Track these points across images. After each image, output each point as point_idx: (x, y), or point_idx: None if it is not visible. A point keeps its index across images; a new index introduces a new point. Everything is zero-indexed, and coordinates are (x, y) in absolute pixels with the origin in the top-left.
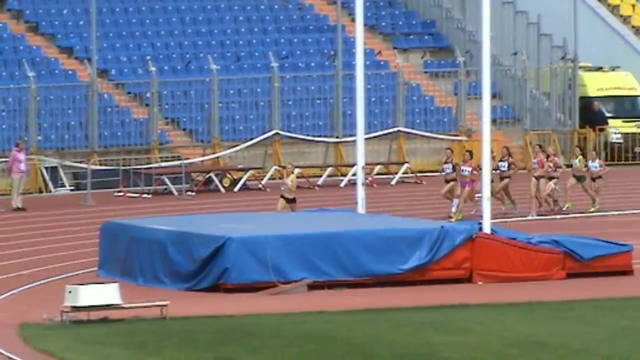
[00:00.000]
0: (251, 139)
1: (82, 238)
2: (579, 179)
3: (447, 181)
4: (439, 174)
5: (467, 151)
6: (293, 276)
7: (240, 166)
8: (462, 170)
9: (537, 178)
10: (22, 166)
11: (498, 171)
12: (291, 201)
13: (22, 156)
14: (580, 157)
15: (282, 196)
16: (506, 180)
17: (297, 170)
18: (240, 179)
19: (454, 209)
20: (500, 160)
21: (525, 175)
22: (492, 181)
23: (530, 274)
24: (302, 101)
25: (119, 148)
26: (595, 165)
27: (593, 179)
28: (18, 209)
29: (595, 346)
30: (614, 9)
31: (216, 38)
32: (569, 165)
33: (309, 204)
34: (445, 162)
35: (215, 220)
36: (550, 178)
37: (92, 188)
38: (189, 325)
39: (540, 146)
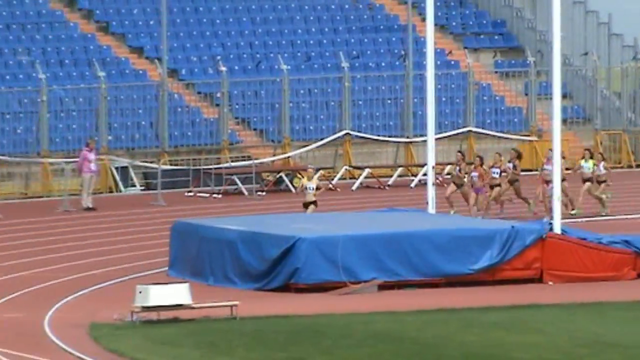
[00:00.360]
0: (322, 139)
1: (152, 238)
2: (589, 181)
3: (456, 184)
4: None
5: (477, 156)
6: (363, 276)
7: (310, 166)
8: (472, 177)
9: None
10: (92, 166)
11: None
12: (311, 204)
13: (92, 156)
14: (591, 160)
15: (304, 204)
16: (497, 189)
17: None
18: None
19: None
20: (492, 167)
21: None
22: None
23: (601, 274)
24: (372, 101)
25: (189, 148)
26: (600, 168)
27: (599, 183)
28: (88, 209)
29: None
30: None
31: (287, 38)
32: (568, 168)
33: (379, 204)
34: (457, 164)
35: (285, 220)
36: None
37: (162, 188)
38: (260, 325)
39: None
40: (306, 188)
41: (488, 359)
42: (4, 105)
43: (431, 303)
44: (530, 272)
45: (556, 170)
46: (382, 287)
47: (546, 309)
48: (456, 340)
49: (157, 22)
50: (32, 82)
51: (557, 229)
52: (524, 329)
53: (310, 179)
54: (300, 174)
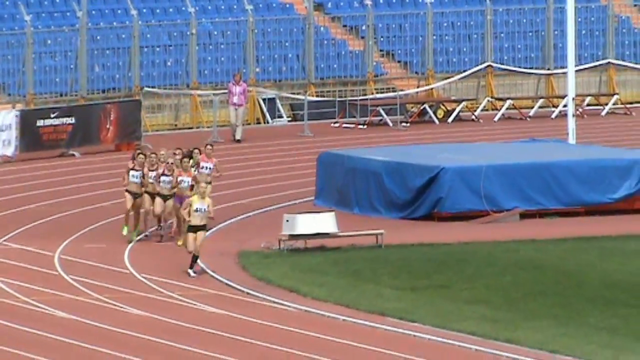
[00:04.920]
0: (464, 71)
1: (299, 168)
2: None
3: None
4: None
5: (184, 156)
6: (505, 205)
7: (453, 98)
8: (181, 182)
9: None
10: (235, 99)
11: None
12: (200, 229)
13: (236, 89)
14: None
15: (192, 227)
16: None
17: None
18: (453, 110)
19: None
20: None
21: None
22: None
23: None
24: (514, 34)
25: (335, 80)
26: (208, 166)
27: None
28: (237, 141)
29: None
30: None
31: None
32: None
33: (521, 135)
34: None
35: (429, 151)
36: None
37: (308, 119)
38: (404, 253)
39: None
40: (197, 210)
41: (629, 287)
42: (154, 38)
43: (572, 232)
44: None
45: None
46: (524, 215)
47: None
48: (597, 269)
49: None
50: (182, 16)
51: None
52: None
53: (203, 196)
54: (444, 105)
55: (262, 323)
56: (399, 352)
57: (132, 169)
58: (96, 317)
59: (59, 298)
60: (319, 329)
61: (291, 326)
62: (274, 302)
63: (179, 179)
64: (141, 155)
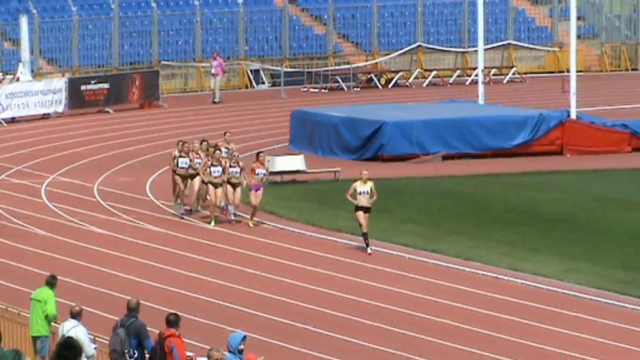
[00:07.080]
0: (401, 49)
1: (277, 121)
2: (217, 185)
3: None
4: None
5: (259, 152)
6: (432, 150)
7: (392, 69)
8: (258, 174)
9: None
10: (213, 70)
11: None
12: (367, 211)
13: (214, 63)
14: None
15: (360, 207)
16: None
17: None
18: (392, 78)
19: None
20: (231, 166)
21: None
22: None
23: (606, 149)
24: (438, 21)
25: (304, 55)
26: (236, 170)
27: (233, 185)
28: (214, 103)
29: None
30: None
31: None
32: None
33: (443, 97)
34: (213, 165)
35: (374, 109)
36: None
37: (284, 85)
38: None
39: (229, 133)
40: (360, 193)
41: (525, 211)
42: (168, 24)
43: (481, 169)
44: (553, 147)
45: (572, 74)
46: (446, 157)
47: (567, 174)
48: (500, 197)
49: None
50: (190, 8)
51: (573, 115)
52: (551, 189)
53: (365, 181)
54: (386, 74)
55: (249, 237)
56: (351, 259)
57: (212, 165)
58: (123, 232)
59: (96, 218)
60: (291, 242)
61: (269, 239)
62: (258, 221)
63: (257, 170)
64: (218, 152)
